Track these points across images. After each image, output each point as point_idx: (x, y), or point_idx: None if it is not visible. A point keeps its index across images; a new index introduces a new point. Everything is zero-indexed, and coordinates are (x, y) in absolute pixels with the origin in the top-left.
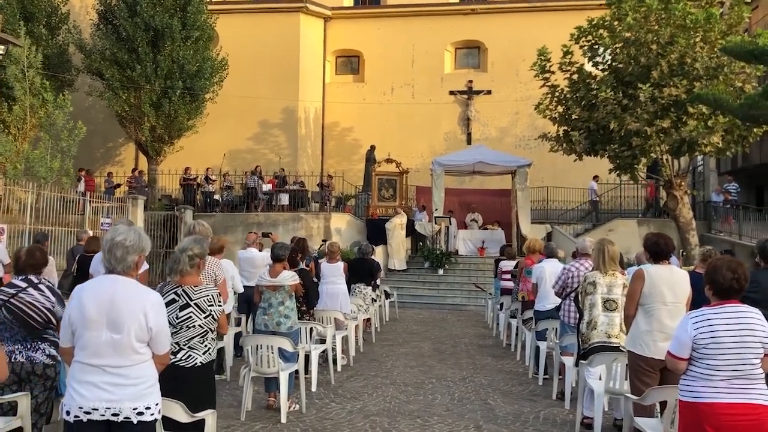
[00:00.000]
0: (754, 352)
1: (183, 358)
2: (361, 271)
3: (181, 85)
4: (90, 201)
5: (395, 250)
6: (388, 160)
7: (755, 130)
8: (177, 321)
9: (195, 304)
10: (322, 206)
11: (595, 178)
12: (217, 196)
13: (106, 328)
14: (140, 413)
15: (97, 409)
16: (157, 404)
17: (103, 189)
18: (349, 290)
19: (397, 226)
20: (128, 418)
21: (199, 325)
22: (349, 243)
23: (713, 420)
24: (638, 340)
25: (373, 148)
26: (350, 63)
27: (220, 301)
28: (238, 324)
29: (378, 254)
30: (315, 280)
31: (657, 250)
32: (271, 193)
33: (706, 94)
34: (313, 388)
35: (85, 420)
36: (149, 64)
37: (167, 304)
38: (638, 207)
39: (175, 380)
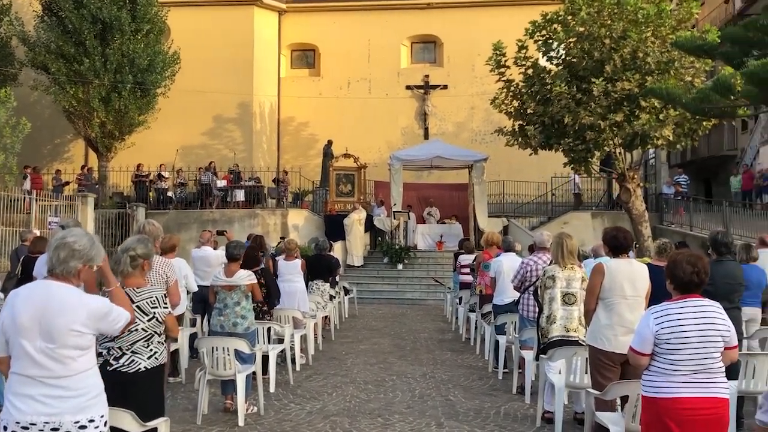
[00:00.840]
0: (716, 346)
1: (126, 363)
2: (318, 268)
3: (132, 80)
4: (36, 199)
5: (354, 246)
6: (346, 155)
7: (705, 123)
8: None
9: (137, 306)
10: (279, 202)
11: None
12: (170, 193)
13: (39, 337)
14: (83, 427)
15: (35, 424)
16: (102, 416)
17: (51, 187)
18: (308, 287)
19: (355, 221)
20: None
21: (143, 329)
22: (307, 239)
23: (675, 415)
24: (599, 335)
25: (330, 143)
26: (306, 57)
27: (166, 303)
28: (194, 324)
29: (337, 250)
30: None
31: (616, 244)
32: (225, 189)
33: (658, 87)
34: (272, 389)
35: None
36: (97, 58)
37: None
38: (592, 200)
39: (118, 387)
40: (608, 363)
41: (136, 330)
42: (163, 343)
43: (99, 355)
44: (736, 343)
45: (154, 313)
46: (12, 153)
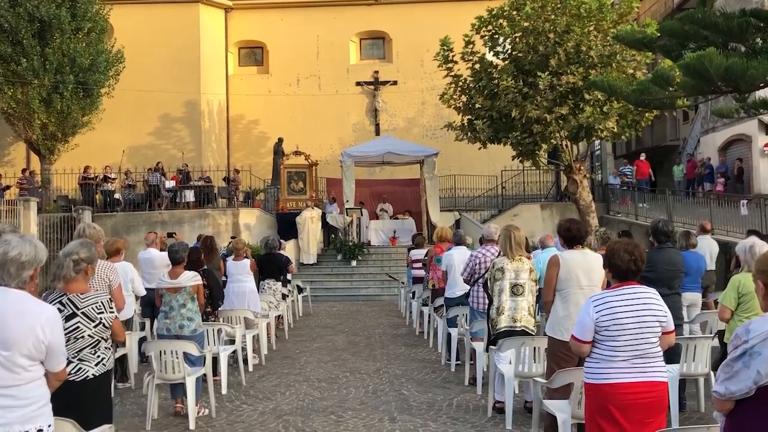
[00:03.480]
0: (653, 331)
1: (73, 371)
2: (269, 267)
3: (73, 80)
4: None
5: (307, 244)
6: (297, 153)
7: (647, 115)
8: (64, 332)
9: (82, 313)
10: (230, 202)
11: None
12: (117, 195)
13: None
14: None
15: None
16: (49, 426)
17: None
18: (259, 287)
19: (307, 219)
20: None
21: (89, 335)
22: (259, 239)
23: (616, 400)
24: (557, 326)
25: (280, 140)
26: (254, 54)
27: (111, 308)
28: (143, 328)
29: (289, 249)
30: (225, 278)
31: (569, 236)
32: (174, 190)
33: (601, 80)
34: (224, 391)
35: None
36: (36, 58)
37: None
38: (541, 192)
39: (66, 395)
40: (567, 354)
41: (83, 337)
42: (110, 349)
43: None
44: (672, 327)
45: (101, 318)
46: None
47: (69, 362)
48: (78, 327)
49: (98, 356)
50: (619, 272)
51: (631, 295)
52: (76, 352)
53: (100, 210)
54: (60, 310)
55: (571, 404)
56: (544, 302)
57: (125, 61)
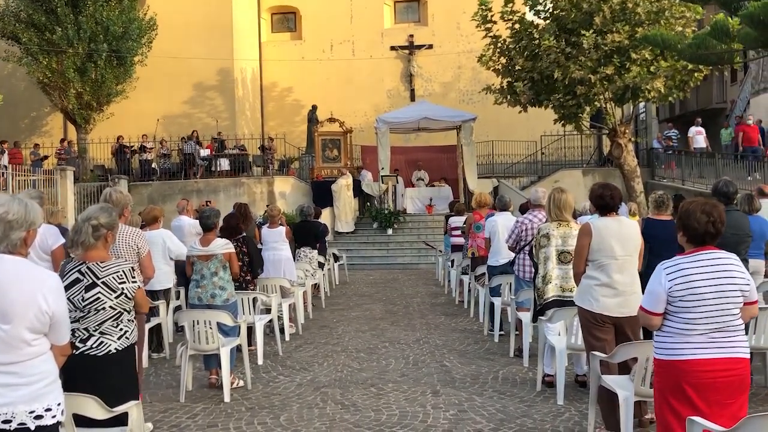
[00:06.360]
0: (734, 301)
1: (94, 345)
2: (305, 235)
3: (107, 48)
4: (13, 175)
5: (342, 212)
6: (331, 120)
7: (696, 75)
8: (84, 304)
9: (103, 282)
10: (265, 170)
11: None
12: (154, 165)
13: None
14: (39, 416)
15: None
16: (59, 404)
17: (29, 162)
18: (295, 255)
19: (343, 187)
20: (24, 423)
21: (110, 307)
22: (294, 207)
23: (692, 378)
24: (586, 295)
25: (314, 108)
26: (286, 20)
27: (134, 277)
28: (178, 297)
29: (325, 217)
30: (260, 246)
31: (602, 204)
32: (209, 158)
33: (653, 35)
34: (260, 361)
35: None
36: (70, 26)
37: (71, 285)
38: (582, 157)
39: (88, 371)
40: (598, 323)
41: (104, 309)
42: (133, 321)
43: None
44: (756, 297)
45: (122, 288)
46: None
47: (90, 335)
48: (99, 298)
49: (121, 329)
50: (695, 235)
51: (710, 261)
52: (98, 325)
53: (136, 179)
54: (79, 280)
55: (635, 380)
56: (574, 274)
57: (157, 28)
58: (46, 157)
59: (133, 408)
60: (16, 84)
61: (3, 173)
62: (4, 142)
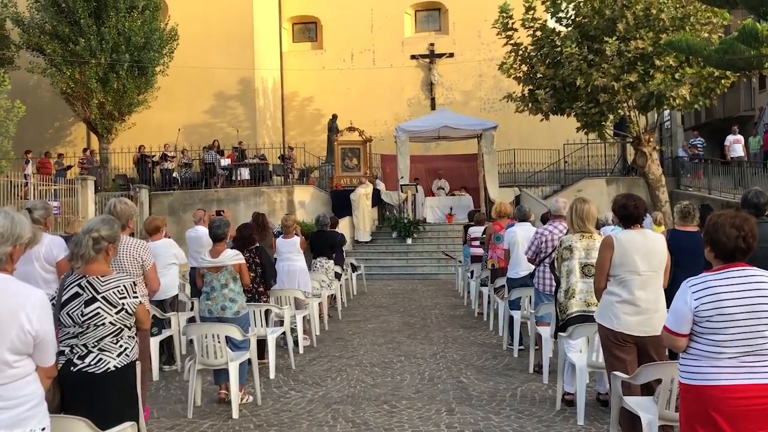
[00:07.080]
0: (767, 323)
1: (93, 362)
2: (321, 245)
3: (129, 59)
4: (36, 184)
5: (361, 221)
6: (351, 129)
7: (723, 81)
8: (83, 319)
9: (102, 297)
10: (285, 179)
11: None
12: (175, 174)
13: None
14: None
15: None
16: (43, 429)
17: (54, 171)
18: (310, 266)
19: (362, 196)
20: None
21: (110, 323)
22: (314, 216)
23: (723, 405)
24: (606, 312)
25: (334, 117)
26: (307, 30)
27: (135, 292)
28: (192, 308)
29: (344, 226)
30: (276, 257)
31: (626, 214)
32: (230, 167)
33: (678, 40)
34: (272, 375)
35: None
36: (93, 37)
37: (70, 299)
38: (605, 166)
39: (86, 389)
40: (618, 342)
41: (103, 324)
42: (134, 337)
43: (61, 353)
44: None
45: (123, 304)
46: (7, 137)
47: (89, 352)
48: (98, 313)
49: (120, 346)
50: (724, 251)
51: (740, 278)
52: (97, 341)
53: (158, 188)
54: (78, 294)
55: (659, 403)
56: (595, 289)
57: (179, 38)
58: (70, 167)
59: (127, 429)
60: (42, 95)
61: (27, 182)
62: (29, 152)
